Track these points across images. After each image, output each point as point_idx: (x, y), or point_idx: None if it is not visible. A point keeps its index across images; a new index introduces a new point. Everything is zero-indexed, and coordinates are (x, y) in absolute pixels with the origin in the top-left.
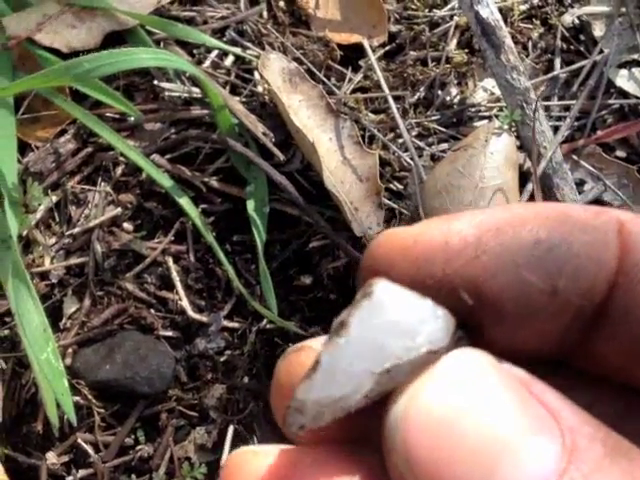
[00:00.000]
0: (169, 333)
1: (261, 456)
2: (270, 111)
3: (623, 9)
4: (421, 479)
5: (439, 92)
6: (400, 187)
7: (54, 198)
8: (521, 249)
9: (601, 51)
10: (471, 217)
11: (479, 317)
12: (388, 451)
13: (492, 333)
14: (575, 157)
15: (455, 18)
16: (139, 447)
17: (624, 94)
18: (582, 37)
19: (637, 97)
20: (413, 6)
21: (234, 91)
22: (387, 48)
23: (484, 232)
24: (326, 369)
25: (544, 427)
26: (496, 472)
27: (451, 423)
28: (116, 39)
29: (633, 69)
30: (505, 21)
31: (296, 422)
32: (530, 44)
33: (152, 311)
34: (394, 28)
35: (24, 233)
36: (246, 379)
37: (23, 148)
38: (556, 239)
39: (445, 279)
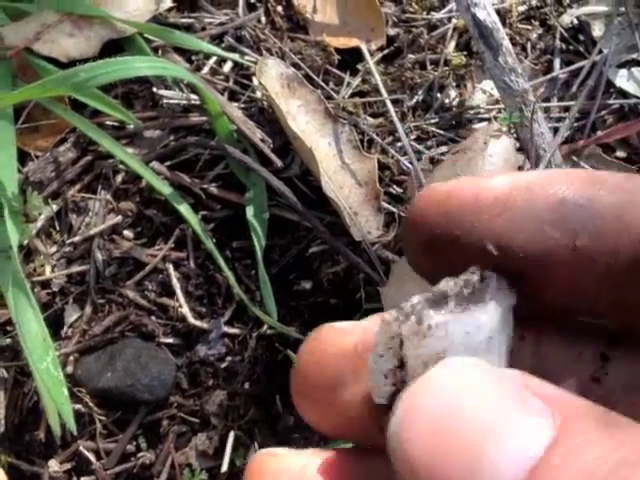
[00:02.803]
0: (170, 340)
1: (281, 458)
2: (269, 117)
3: (622, 9)
4: None
5: (438, 95)
6: (399, 191)
7: (54, 207)
8: (547, 206)
9: (600, 51)
10: (503, 176)
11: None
12: (392, 460)
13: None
14: (575, 158)
15: (453, 20)
16: (141, 454)
17: (624, 94)
18: (581, 37)
19: (637, 97)
20: (411, 9)
21: (233, 97)
22: (385, 51)
23: (513, 189)
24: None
25: (532, 410)
26: (483, 455)
27: (441, 425)
28: (114, 47)
29: (632, 69)
30: (504, 22)
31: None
32: (529, 45)
33: (153, 318)
34: (392, 31)
35: (25, 242)
36: (247, 385)
37: (23, 157)
38: (581, 199)
39: (473, 231)
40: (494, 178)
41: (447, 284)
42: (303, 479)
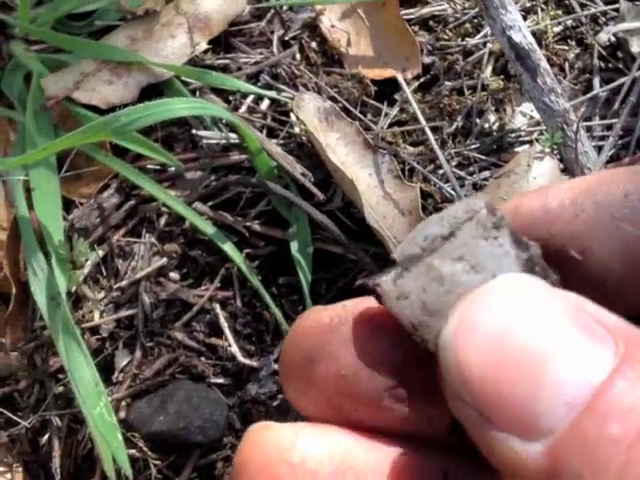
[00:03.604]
0: (220, 380)
1: (272, 429)
2: (308, 151)
3: None
4: (475, 394)
5: (477, 120)
6: None
7: (100, 252)
8: (614, 203)
9: None
10: (562, 184)
11: (584, 280)
12: (442, 372)
13: (598, 292)
14: None
15: (488, 45)
16: None
17: None
18: (620, 54)
19: None
20: (445, 36)
21: (271, 134)
22: (422, 80)
23: (578, 194)
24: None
25: (595, 336)
26: (544, 374)
27: (499, 337)
28: (153, 91)
29: None
30: (540, 44)
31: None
32: (567, 65)
33: (202, 359)
34: (427, 59)
35: (73, 289)
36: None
37: (68, 205)
38: None
39: (551, 240)
40: (554, 188)
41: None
42: (293, 448)
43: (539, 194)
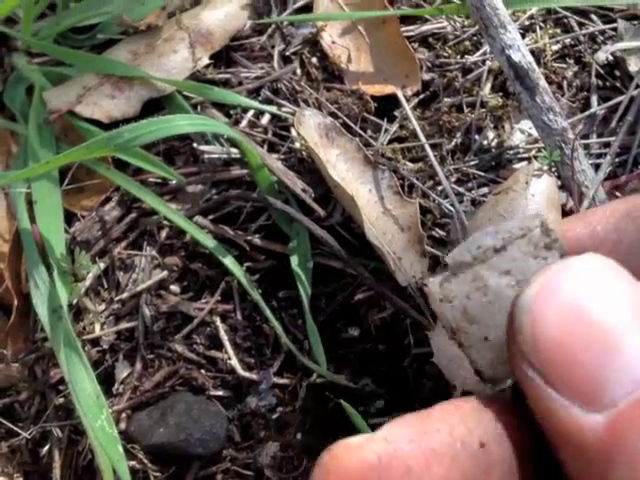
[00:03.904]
0: (220, 393)
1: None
2: (308, 166)
3: None
4: (545, 357)
5: (476, 137)
6: (442, 234)
7: (102, 265)
8: None
9: (637, 86)
10: (603, 208)
11: None
12: (513, 333)
13: None
14: (618, 194)
15: (487, 63)
16: None
17: None
18: (617, 73)
19: None
20: (445, 53)
21: (272, 149)
22: (421, 96)
23: (620, 219)
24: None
25: None
26: (617, 351)
27: (579, 306)
28: (154, 105)
29: None
30: (538, 62)
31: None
32: (565, 83)
33: (202, 371)
34: (427, 76)
35: (74, 301)
36: (299, 435)
37: (69, 218)
38: None
39: None
40: (595, 214)
41: None
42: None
43: (582, 220)
